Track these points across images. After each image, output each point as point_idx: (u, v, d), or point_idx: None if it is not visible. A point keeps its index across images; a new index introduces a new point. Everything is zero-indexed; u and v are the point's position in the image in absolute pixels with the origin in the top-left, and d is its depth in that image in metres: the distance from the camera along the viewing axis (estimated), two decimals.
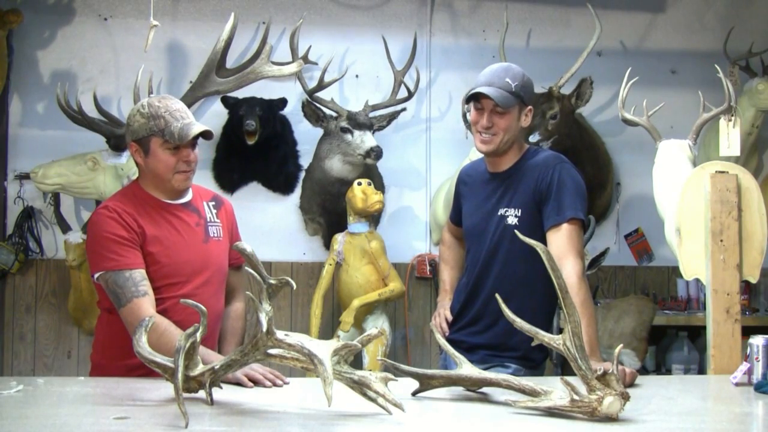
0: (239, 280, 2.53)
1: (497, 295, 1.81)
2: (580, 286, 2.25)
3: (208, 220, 2.37)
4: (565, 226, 2.33)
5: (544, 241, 2.26)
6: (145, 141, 2.24)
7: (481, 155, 2.58)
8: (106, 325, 2.30)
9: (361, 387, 1.69)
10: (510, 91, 2.38)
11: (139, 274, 2.17)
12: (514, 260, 2.40)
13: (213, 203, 2.43)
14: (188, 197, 2.36)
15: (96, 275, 2.20)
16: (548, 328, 2.39)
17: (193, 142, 2.27)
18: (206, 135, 2.27)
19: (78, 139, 3.82)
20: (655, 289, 4.34)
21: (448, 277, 2.74)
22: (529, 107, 2.45)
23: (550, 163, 2.41)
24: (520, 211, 2.41)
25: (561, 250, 2.29)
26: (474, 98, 2.43)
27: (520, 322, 1.77)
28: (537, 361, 2.47)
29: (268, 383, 2.05)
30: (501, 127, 2.40)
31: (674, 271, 4.17)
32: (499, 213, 2.44)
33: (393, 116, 3.99)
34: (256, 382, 2.04)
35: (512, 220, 2.41)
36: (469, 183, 2.63)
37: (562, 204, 2.35)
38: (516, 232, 1.88)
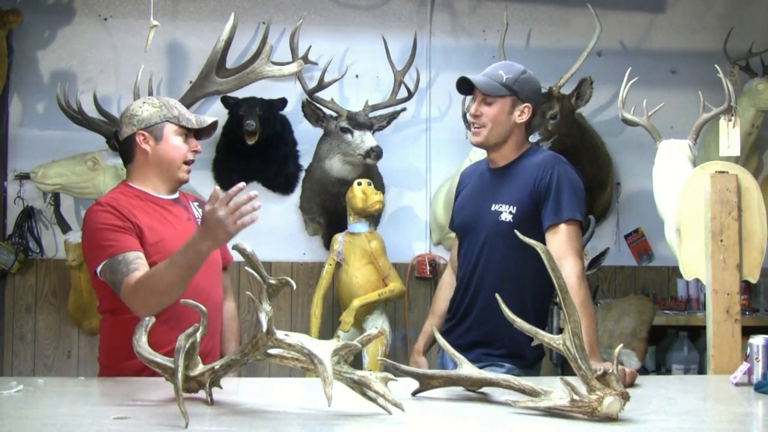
0: (227, 280, 2.56)
1: (497, 296, 1.80)
2: (580, 286, 2.26)
3: (197, 217, 2.40)
4: (563, 227, 2.34)
5: (538, 239, 2.26)
6: (158, 127, 2.29)
7: (483, 157, 2.59)
8: (109, 328, 2.30)
9: (361, 387, 1.69)
10: (500, 81, 2.40)
11: (133, 254, 2.15)
12: (506, 257, 2.40)
13: (197, 204, 2.47)
14: (176, 195, 2.41)
15: (98, 269, 2.17)
16: (539, 328, 2.39)
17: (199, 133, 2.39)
18: (214, 127, 2.39)
19: (78, 139, 3.82)
20: (655, 289, 4.34)
21: (439, 300, 2.69)
22: (526, 104, 2.45)
23: (549, 163, 2.42)
24: (515, 208, 2.41)
25: (560, 250, 2.30)
26: (464, 90, 2.48)
27: (520, 322, 1.77)
28: (530, 359, 2.47)
29: (247, 219, 1.94)
30: (488, 117, 2.42)
31: (674, 271, 4.16)
32: (492, 208, 2.44)
33: (393, 116, 3.98)
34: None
35: (506, 217, 2.41)
36: (465, 182, 2.64)
37: (561, 205, 2.35)
38: (516, 232, 1.88)
